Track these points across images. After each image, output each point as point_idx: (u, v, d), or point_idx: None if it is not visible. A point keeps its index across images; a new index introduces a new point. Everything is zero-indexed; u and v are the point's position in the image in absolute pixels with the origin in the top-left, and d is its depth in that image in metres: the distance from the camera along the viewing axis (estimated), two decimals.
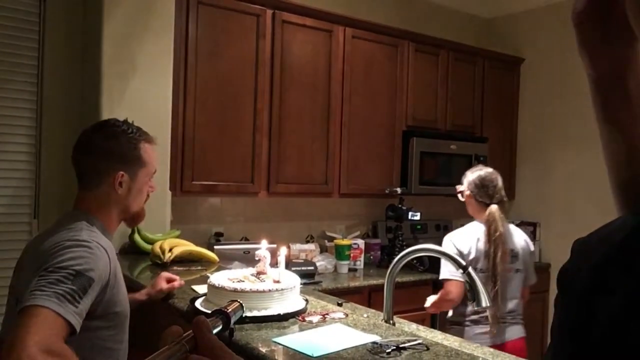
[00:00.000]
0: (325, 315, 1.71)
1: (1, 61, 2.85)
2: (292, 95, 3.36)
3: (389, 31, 3.80)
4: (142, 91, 2.85)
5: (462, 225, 2.84)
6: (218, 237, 3.36)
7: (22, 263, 1.54)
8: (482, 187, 2.59)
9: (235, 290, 1.62)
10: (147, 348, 0.69)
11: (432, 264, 3.23)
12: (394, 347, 1.40)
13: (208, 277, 1.79)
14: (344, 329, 1.59)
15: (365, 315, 1.86)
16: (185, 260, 2.66)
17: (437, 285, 3.21)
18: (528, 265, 2.69)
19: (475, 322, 2.54)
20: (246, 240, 3.50)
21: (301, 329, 1.59)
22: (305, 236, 3.81)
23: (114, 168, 1.55)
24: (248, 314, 1.59)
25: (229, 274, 1.82)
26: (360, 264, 3.66)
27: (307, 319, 1.66)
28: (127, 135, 1.57)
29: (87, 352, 1.38)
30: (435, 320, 3.25)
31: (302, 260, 3.35)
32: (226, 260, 2.82)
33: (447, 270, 2.50)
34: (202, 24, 3.03)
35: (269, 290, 1.65)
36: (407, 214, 3.69)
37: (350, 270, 3.55)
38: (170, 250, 2.61)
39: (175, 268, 2.53)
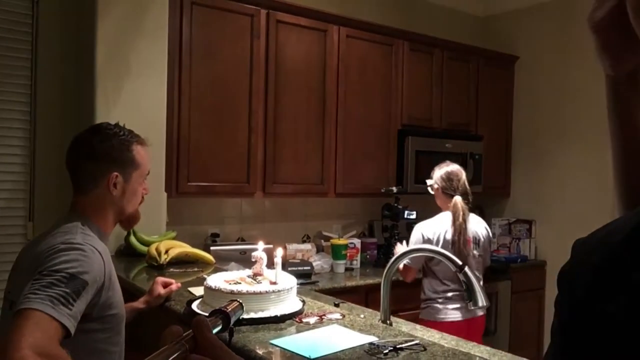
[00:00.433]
0: (323, 316, 1.70)
1: None
2: (287, 95, 3.36)
3: (383, 30, 3.81)
4: (136, 92, 2.84)
5: None
6: (214, 238, 3.35)
7: (17, 267, 1.54)
8: (448, 181, 2.92)
9: (232, 293, 1.62)
10: (144, 351, 0.69)
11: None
12: (391, 348, 1.40)
13: (205, 279, 1.79)
14: (341, 330, 1.59)
15: (362, 316, 1.86)
16: (182, 262, 2.65)
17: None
18: (486, 250, 3.06)
19: (448, 299, 2.83)
20: (242, 240, 3.50)
21: (298, 331, 1.59)
22: (301, 236, 3.81)
23: (108, 170, 1.55)
24: (245, 316, 1.59)
25: (225, 275, 1.82)
26: (356, 263, 3.67)
27: (304, 320, 1.66)
28: (119, 138, 1.58)
29: (83, 355, 1.38)
30: None
31: (299, 260, 3.35)
32: (223, 261, 2.82)
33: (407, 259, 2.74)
34: (196, 24, 3.02)
35: (266, 292, 1.65)
36: (403, 213, 3.69)
37: (346, 269, 3.56)
38: (166, 252, 2.60)
39: (171, 270, 2.52)
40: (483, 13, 4.87)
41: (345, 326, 1.63)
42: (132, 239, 2.77)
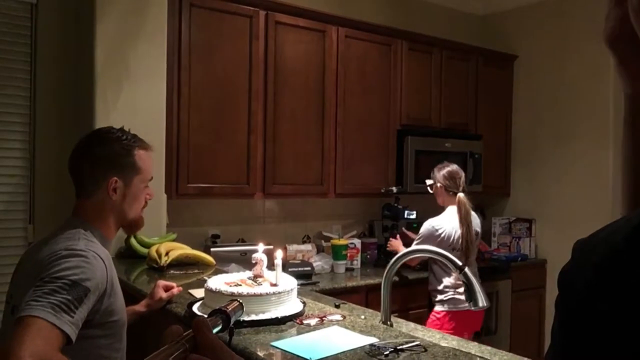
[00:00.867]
0: (323, 318, 1.71)
1: None
2: (287, 96, 3.36)
3: (382, 30, 3.81)
4: (136, 95, 2.84)
5: None
6: (215, 239, 3.35)
7: (19, 271, 1.54)
8: (451, 179, 3.15)
9: (232, 295, 1.62)
10: (145, 354, 0.69)
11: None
12: (392, 349, 1.41)
13: (205, 281, 1.79)
14: (342, 332, 1.59)
15: (362, 317, 1.87)
16: (182, 264, 2.65)
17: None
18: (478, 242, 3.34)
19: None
20: (243, 241, 3.50)
21: (299, 332, 1.59)
22: (301, 237, 3.81)
23: (108, 175, 1.55)
24: (246, 318, 1.59)
25: (225, 277, 1.82)
26: (357, 263, 3.67)
27: (304, 321, 1.66)
28: (121, 142, 1.58)
29: None
30: None
31: (299, 261, 3.36)
32: (223, 263, 2.82)
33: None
34: (195, 26, 3.02)
35: (266, 294, 1.65)
36: (403, 213, 3.69)
37: (347, 270, 3.56)
38: (167, 254, 2.60)
39: (172, 272, 2.53)
40: (482, 12, 4.87)
41: (346, 327, 1.63)
42: (133, 241, 2.77)
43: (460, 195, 3.11)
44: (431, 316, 3.12)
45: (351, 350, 1.42)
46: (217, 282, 1.73)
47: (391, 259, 1.92)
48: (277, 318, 1.63)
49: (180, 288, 1.96)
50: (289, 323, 1.65)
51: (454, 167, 3.20)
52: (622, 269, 0.42)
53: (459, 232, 3.08)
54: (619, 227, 0.46)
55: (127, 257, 2.78)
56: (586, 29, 4.00)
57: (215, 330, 0.75)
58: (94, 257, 1.40)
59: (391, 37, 3.84)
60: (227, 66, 3.14)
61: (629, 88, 0.54)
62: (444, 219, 3.13)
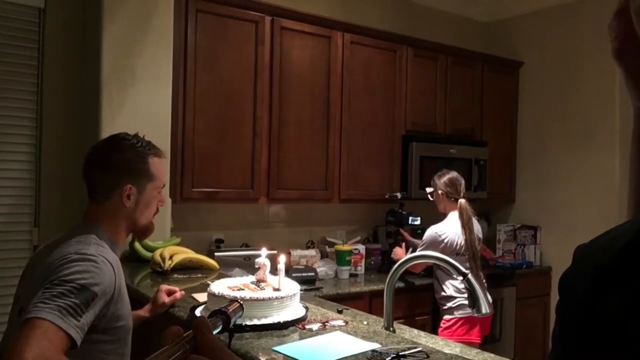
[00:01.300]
0: (325, 323, 1.71)
1: (1, 70, 2.86)
2: (292, 101, 3.37)
3: (387, 36, 3.81)
4: (141, 99, 2.86)
5: None
6: (219, 244, 3.36)
7: (27, 273, 1.54)
8: (452, 186, 3.20)
9: (235, 299, 1.62)
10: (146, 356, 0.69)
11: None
12: (394, 355, 1.40)
13: (208, 285, 1.79)
14: (344, 337, 1.59)
15: (365, 323, 1.86)
16: (186, 268, 2.66)
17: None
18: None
19: None
20: (246, 246, 3.50)
21: (301, 337, 1.59)
22: (305, 242, 3.81)
23: (122, 181, 1.56)
24: (248, 322, 1.59)
25: (228, 282, 1.82)
26: (361, 269, 3.66)
27: (307, 326, 1.66)
28: (136, 149, 1.59)
29: None
30: (436, 326, 3.24)
31: (303, 266, 3.35)
32: (227, 267, 2.82)
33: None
34: (201, 31, 3.04)
35: (269, 299, 1.65)
36: (408, 219, 3.69)
37: (351, 275, 3.55)
38: (171, 258, 2.61)
39: (175, 276, 2.53)
40: (487, 19, 4.87)
41: (348, 333, 1.63)
42: (137, 244, 2.78)
43: (462, 201, 3.16)
44: (441, 325, 3.10)
45: (353, 355, 1.42)
46: (220, 287, 1.74)
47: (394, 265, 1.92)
48: (279, 323, 1.63)
49: (183, 292, 1.96)
50: (291, 328, 1.65)
51: (453, 173, 3.25)
52: (623, 274, 0.42)
53: (462, 237, 3.10)
54: (621, 232, 0.46)
55: (131, 260, 2.78)
56: (592, 35, 4.00)
57: (215, 331, 0.76)
58: (103, 263, 1.40)
59: (396, 43, 3.85)
60: (232, 71, 3.15)
61: (637, 101, 0.54)
62: (446, 225, 3.15)
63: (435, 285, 3.20)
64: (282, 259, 1.78)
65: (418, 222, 3.70)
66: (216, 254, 3.08)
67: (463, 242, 3.10)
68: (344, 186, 3.58)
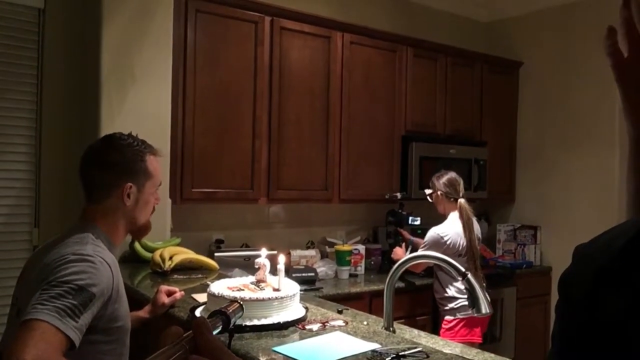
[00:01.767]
0: (325, 323, 1.70)
1: (1, 70, 2.85)
2: (291, 101, 3.37)
3: (387, 36, 3.81)
4: (141, 99, 2.86)
5: None
6: (219, 244, 3.35)
7: (25, 274, 1.54)
8: (451, 187, 3.21)
9: (235, 299, 1.62)
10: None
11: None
12: (394, 355, 1.40)
13: (208, 286, 1.79)
14: (344, 337, 1.59)
15: (365, 323, 1.86)
16: (186, 269, 2.66)
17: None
18: None
19: None
20: (246, 247, 3.50)
21: (301, 338, 1.59)
22: (305, 242, 3.80)
23: (122, 180, 1.56)
24: (248, 322, 1.59)
25: (228, 282, 1.82)
26: (361, 269, 3.66)
27: (307, 327, 1.66)
28: (133, 148, 1.59)
29: None
30: (436, 326, 3.24)
31: (303, 267, 3.35)
32: (227, 268, 2.82)
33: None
34: (201, 31, 3.04)
35: (269, 299, 1.65)
36: (408, 219, 3.69)
37: (351, 275, 3.55)
38: (171, 258, 2.61)
39: (175, 276, 2.53)
40: (487, 19, 4.87)
41: (348, 333, 1.63)
42: (137, 245, 2.78)
43: (461, 200, 3.17)
44: (442, 326, 3.09)
45: (353, 356, 1.42)
46: (219, 287, 1.74)
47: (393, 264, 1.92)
48: (279, 323, 1.63)
49: (183, 293, 1.96)
50: (291, 328, 1.65)
51: (452, 174, 3.26)
52: (622, 273, 0.42)
53: (463, 238, 3.10)
54: (620, 232, 0.46)
55: (131, 261, 2.78)
56: (592, 36, 4.00)
57: (215, 332, 0.75)
58: (100, 263, 1.40)
59: (396, 44, 3.84)
60: (232, 71, 3.15)
61: (632, 127, 0.52)
62: (448, 226, 3.15)
63: (436, 285, 3.19)
64: (282, 259, 1.78)
65: (418, 223, 3.70)
66: (216, 254, 3.07)
67: (465, 243, 3.09)
68: (343, 186, 3.58)
